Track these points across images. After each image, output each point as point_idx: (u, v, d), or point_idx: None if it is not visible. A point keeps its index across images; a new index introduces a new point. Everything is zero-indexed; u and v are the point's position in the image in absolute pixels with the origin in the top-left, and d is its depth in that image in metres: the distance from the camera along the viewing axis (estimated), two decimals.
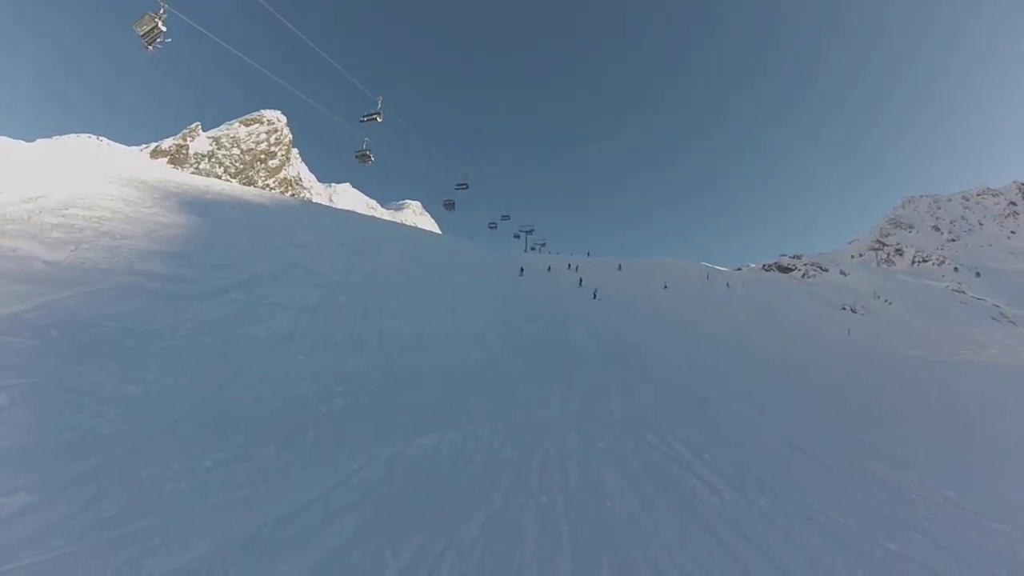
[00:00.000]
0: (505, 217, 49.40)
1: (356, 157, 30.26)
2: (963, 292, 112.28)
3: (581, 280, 40.76)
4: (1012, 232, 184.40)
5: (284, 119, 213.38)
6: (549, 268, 42.97)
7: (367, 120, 20.89)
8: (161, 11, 14.56)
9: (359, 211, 57.59)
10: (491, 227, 61.17)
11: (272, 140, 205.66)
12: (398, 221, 65.50)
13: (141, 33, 14.83)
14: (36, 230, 10.56)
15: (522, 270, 36.41)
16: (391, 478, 5.91)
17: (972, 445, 11.10)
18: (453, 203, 46.03)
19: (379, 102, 20.51)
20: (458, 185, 31.27)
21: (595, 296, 34.69)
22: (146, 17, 14.72)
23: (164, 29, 14.78)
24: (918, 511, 6.75)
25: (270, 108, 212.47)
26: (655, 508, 6.06)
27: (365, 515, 4.97)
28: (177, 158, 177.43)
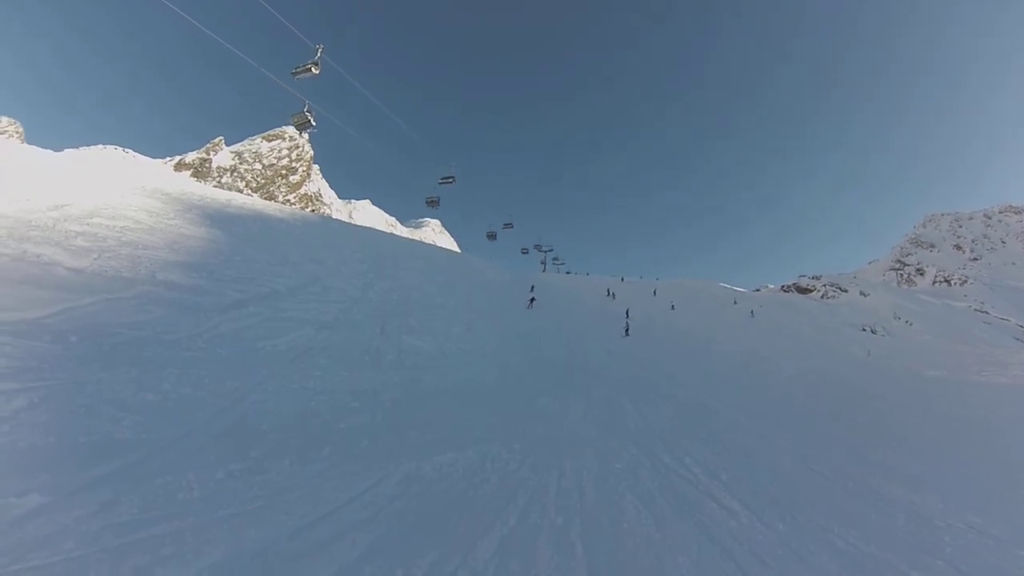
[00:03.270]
0: (508, 225, 48.45)
1: (427, 203, 31.63)
2: (986, 312, 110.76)
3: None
4: None
5: (306, 135, 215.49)
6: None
7: (300, 72, 19.03)
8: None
9: (378, 228, 57.93)
10: (524, 252, 61.24)
11: (293, 156, 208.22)
12: (417, 239, 65.68)
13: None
14: (60, 237, 10.69)
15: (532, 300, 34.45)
16: (405, 495, 5.84)
17: (996, 469, 10.90)
18: (495, 234, 46.03)
19: (318, 51, 18.68)
20: (443, 179, 30.05)
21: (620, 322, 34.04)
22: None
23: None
24: (941, 537, 6.57)
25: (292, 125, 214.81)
26: (671, 531, 5.94)
27: (378, 531, 4.91)
28: (200, 171, 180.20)
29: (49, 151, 24.03)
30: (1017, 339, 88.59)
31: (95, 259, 10.34)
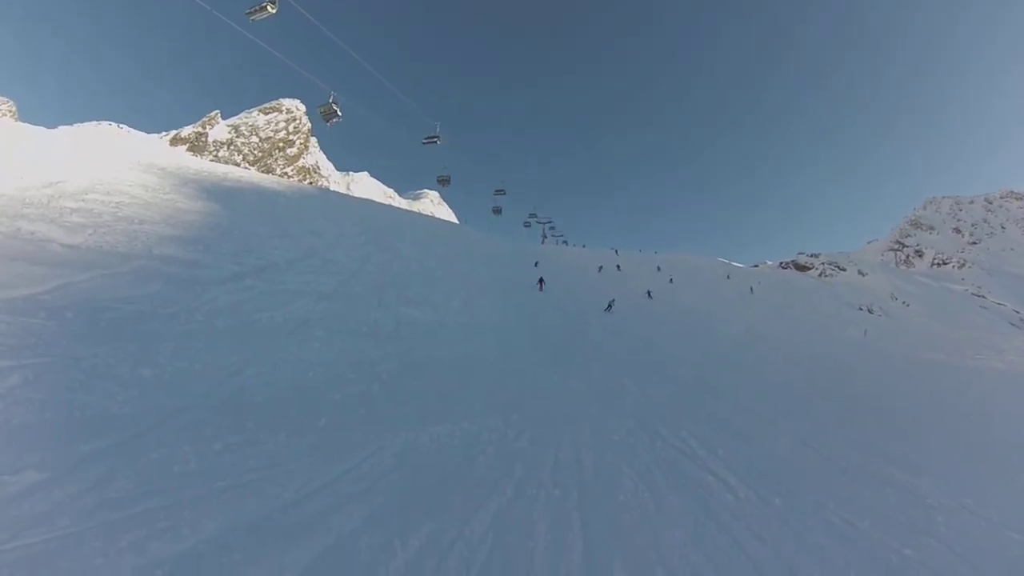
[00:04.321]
0: (500, 191, 47.01)
1: (438, 181, 31.91)
2: (983, 296, 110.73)
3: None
4: None
5: (303, 108, 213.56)
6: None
7: (255, 13, 17.26)
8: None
9: (377, 200, 57.59)
10: (526, 225, 60.65)
11: (291, 128, 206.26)
12: (416, 210, 65.31)
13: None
14: (55, 214, 10.60)
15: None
16: (402, 467, 5.87)
17: (989, 453, 11.05)
18: (500, 208, 45.58)
19: None
20: (427, 138, 28.24)
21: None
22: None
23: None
24: (934, 517, 6.67)
25: (289, 97, 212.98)
26: (669, 504, 5.99)
27: (374, 503, 4.94)
28: (196, 146, 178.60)
29: (43, 128, 23.81)
30: (1012, 325, 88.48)
31: (90, 235, 10.27)
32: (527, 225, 60.94)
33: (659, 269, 57.77)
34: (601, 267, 49.93)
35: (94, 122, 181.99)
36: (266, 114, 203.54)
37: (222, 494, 4.46)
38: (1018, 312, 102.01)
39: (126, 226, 11.56)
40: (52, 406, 4.95)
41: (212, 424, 5.60)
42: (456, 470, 6.17)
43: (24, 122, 31.78)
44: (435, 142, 27.84)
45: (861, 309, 73.13)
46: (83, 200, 12.07)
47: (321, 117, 22.20)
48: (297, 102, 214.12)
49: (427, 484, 5.60)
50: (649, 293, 37.62)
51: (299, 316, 10.75)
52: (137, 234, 11.35)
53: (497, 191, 46.70)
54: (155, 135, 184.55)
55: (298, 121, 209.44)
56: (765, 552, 5.15)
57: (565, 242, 77.38)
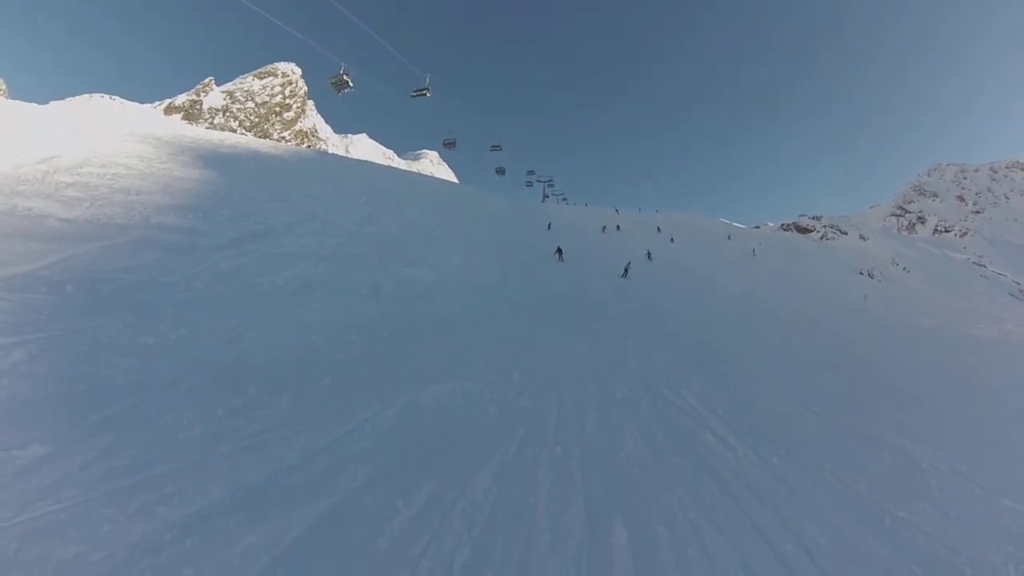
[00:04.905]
0: (496, 147, 45.95)
1: (444, 144, 32.07)
2: (983, 266, 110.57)
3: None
4: None
5: (299, 71, 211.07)
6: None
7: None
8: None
9: (375, 162, 57.06)
10: (528, 185, 60.30)
11: (287, 92, 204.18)
12: (415, 171, 64.72)
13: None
14: (51, 189, 10.51)
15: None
16: (404, 426, 5.94)
17: (985, 421, 11.21)
18: (504, 169, 45.25)
19: None
20: (416, 91, 27.65)
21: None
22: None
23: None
24: (929, 482, 6.85)
25: (284, 60, 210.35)
26: (669, 462, 6.11)
27: (377, 462, 5.01)
28: (191, 113, 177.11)
29: (35, 104, 23.50)
30: (1012, 295, 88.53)
31: (87, 208, 10.21)
32: (528, 184, 60.58)
33: (659, 230, 57.35)
34: (604, 227, 49.39)
35: (86, 95, 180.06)
36: (261, 79, 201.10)
37: (227, 458, 4.53)
38: (1018, 283, 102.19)
39: (123, 197, 11.48)
40: (56, 379, 4.98)
41: (214, 389, 5.64)
42: (458, 428, 6.25)
43: (14, 99, 31.38)
44: (424, 94, 27.36)
45: (862, 273, 73.33)
46: (79, 174, 11.96)
47: (332, 88, 22.41)
48: (293, 65, 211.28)
49: (430, 442, 5.68)
50: (649, 254, 36.97)
51: (300, 279, 10.73)
52: (134, 205, 11.28)
53: (493, 147, 45.86)
54: (149, 105, 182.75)
55: (294, 85, 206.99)
56: (764, 511, 5.28)
57: (565, 200, 76.97)
